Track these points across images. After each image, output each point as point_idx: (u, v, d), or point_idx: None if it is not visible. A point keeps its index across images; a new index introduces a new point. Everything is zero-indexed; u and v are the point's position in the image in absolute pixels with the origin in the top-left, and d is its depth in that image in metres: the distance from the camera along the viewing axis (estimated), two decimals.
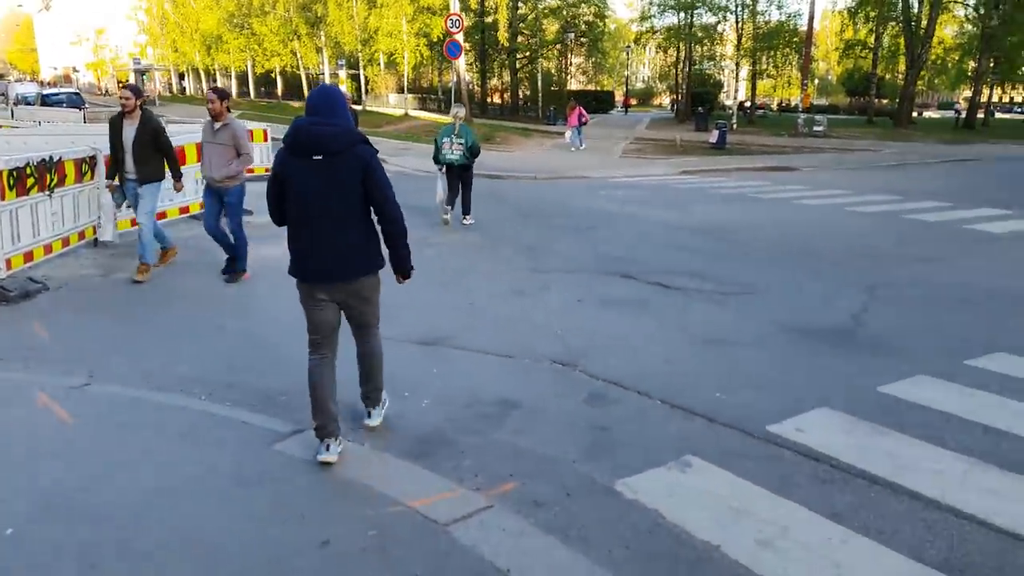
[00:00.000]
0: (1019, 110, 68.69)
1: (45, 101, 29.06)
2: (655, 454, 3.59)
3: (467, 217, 10.08)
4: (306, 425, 3.80)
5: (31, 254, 6.90)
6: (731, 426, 3.89)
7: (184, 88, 76.80)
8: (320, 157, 3.33)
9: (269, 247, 8.22)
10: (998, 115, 53.60)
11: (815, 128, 31.60)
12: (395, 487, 3.23)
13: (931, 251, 8.65)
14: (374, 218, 3.61)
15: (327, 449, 3.48)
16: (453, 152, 9.64)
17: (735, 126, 32.86)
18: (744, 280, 7.10)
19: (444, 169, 9.82)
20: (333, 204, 3.43)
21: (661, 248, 8.74)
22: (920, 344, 5.23)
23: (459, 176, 9.90)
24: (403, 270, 3.91)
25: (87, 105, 28.38)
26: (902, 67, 42.53)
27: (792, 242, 9.18)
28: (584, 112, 25.36)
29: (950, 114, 62.79)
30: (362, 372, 4.04)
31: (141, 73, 61.42)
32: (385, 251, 3.76)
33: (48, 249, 7.20)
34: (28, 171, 6.78)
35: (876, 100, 46.98)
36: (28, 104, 28.73)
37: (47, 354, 4.93)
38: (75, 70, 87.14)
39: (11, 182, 6.56)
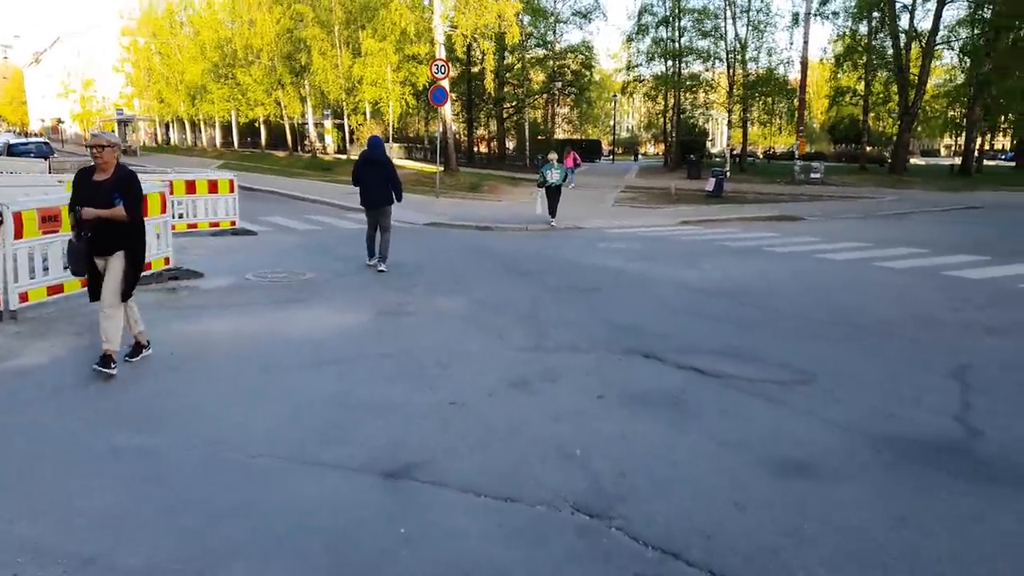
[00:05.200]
0: (1003, 157, 69.04)
1: (12, 151, 27.95)
2: None
3: (554, 219, 15.62)
4: None
5: None
6: None
7: (169, 138, 76.00)
8: (374, 165, 9.67)
9: (215, 320, 6.78)
10: (985, 162, 53.44)
11: (812, 175, 30.86)
12: None
13: (999, 318, 7.34)
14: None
15: (371, 261, 9.86)
16: (553, 178, 15.59)
17: (728, 174, 32.12)
18: (793, 362, 5.72)
19: (545, 189, 15.82)
20: (377, 180, 9.67)
21: (681, 315, 7.37)
22: None
23: (555, 193, 15.69)
24: (398, 201, 9.87)
25: (55, 155, 27.22)
26: (885, 114, 42.44)
27: (830, 306, 7.85)
28: (578, 157, 28.98)
29: (935, 161, 63.13)
30: (380, 248, 9.69)
31: (124, 124, 60.67)
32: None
33: None
34: None
35: (868, 148, 46.69)
36: None
37: None
38: (60, 121, 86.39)
39: None
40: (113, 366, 5.04)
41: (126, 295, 5.26)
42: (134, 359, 5.45)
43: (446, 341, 6.20)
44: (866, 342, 6.44)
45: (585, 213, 18.52)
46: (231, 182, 13.48)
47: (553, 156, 16.48)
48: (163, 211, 8.72)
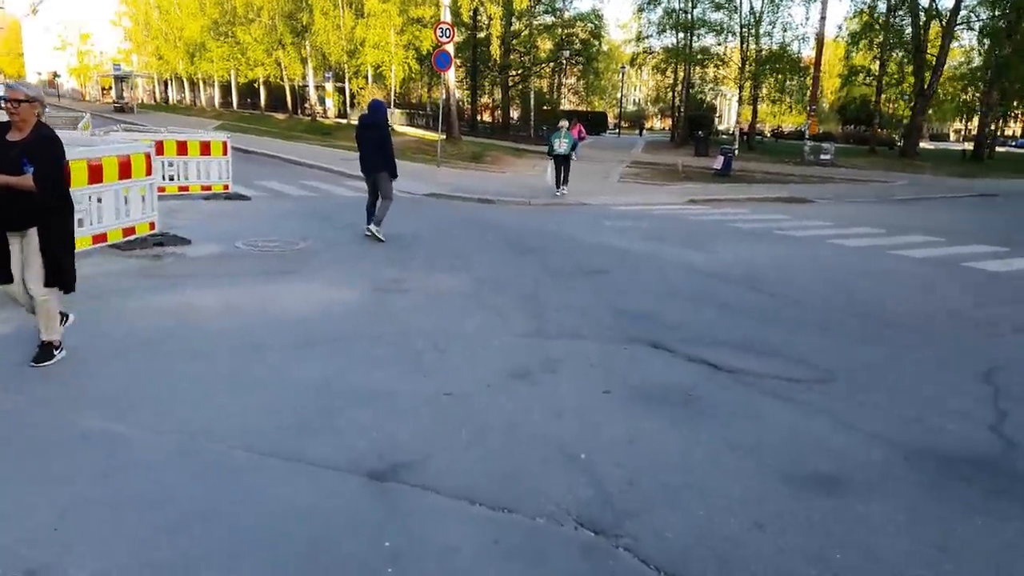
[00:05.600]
0: (1013, 144, 68.21)
1: None
2: None
3: (565, 187, 15.71)
4: None
5: None
6: None
7: (168, 97, 74.83)
8: (370, 128, 9.28)
9: (199, 292, 6.41)
10: (996, 148, 52.74)
11: (822, 156, 30.29)
12: None
13: None
14: None
15: (369, 226, 9.32)
16: (561, 147, 15.44)
17: (736, 152, 31.61)
18: (812, 357, 5.38)
19: (553, 158, 15.75)
20: (371, 145, 9.25)
21: (692, 302, 7.02)
22: None
23: (563, 162, 15.61)
24: (389, 173, 9.32)
25: (46, 110, 26.59)
26: (896, 95, 41.65)
27: (848, 297, 7.51)
28: (583, 130, 27.57)
29: (944, 145, 62.31)
30: (377, 212, 9.35)
31: (121, 80, 59.57)
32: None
33: None
34: None
35: (879, 130, 45.93)
36: None
37: None
38: (56, 75, 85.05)
39: None
40: (57, 353, 4.50)
41: (55, 282, 4.35)
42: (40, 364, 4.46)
43: (443, 323, 5.86)
44: (885, 337, 6.10)
45: (590, 188, 18.07)
46: (224, 144, 13.02)
47: (563, 124, 16.43)
48: (148, 173, 8.30)
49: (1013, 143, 67.80)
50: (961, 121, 76.98)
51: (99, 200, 7.69)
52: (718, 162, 24.11)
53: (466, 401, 4.23)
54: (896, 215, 15.63)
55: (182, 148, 12.67)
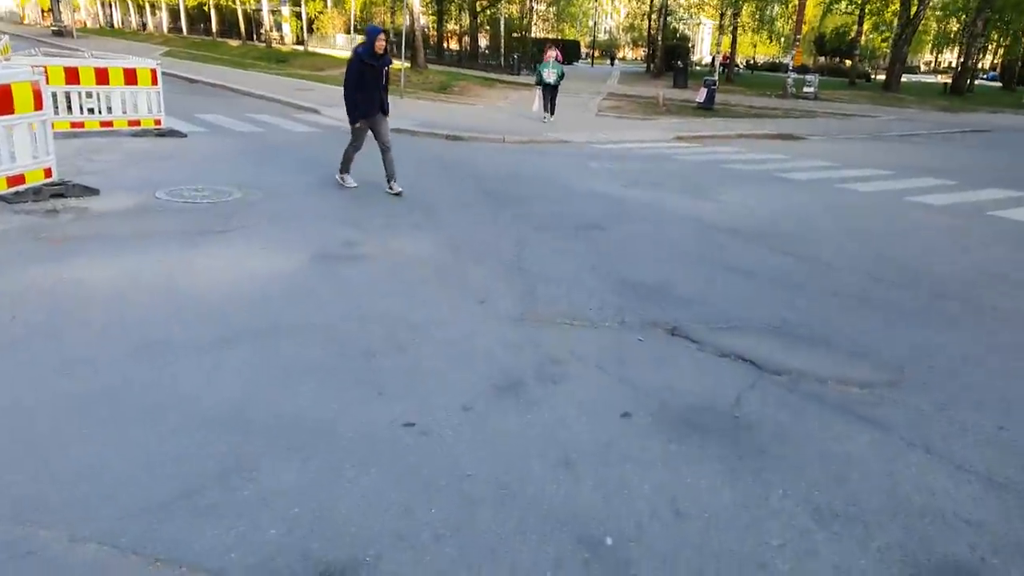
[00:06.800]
0: (986, 77, 67.34)
1: None
2: None
3: (552, 116, 16.10)
4: None
5: None
6: None
7: (112, 21, 69.74)
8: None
9: (95, 262, 4.90)
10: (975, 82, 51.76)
11: (805, 89, 28.96)
12: None
13: None
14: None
15: (349, 178, 8.21)
16: (550, 78, 15.69)
17: (717, 83, 30.10)
18: (870, 346, 4.29)
19: (542, 88, 15.98)
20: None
21: (708, 267, 5.86)
22: None
23: (551, 93, 15.94)
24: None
25: None
26: (867, 25, 40.16)
27: (880, 257, 6.44)
28: (559, 55, 26.11)
29: (916, 78, 61.14)
30: (385, 167, 8.05)
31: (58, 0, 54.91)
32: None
33: None
34: None
35: (859, 62, 44.59)
36: None
37: None
38: None
39: None
40: None
41: None
42: None
43: (405, 305, 4.61)
44: (944, 313, 5.04)
45: (569, 123, 16.62)
46: (153, 72, 11.26)
47: (551, 54, 16.21)
48: (38, 107, 6.70)
49: (985, 76, 66.93)
50: (932, 53, 75.71)
51: None
52: (701, 95, 22.70)
53: (435, 439, 3.04)
54: (898, 154, 14.57)
55: (102, 76, 10.87)
